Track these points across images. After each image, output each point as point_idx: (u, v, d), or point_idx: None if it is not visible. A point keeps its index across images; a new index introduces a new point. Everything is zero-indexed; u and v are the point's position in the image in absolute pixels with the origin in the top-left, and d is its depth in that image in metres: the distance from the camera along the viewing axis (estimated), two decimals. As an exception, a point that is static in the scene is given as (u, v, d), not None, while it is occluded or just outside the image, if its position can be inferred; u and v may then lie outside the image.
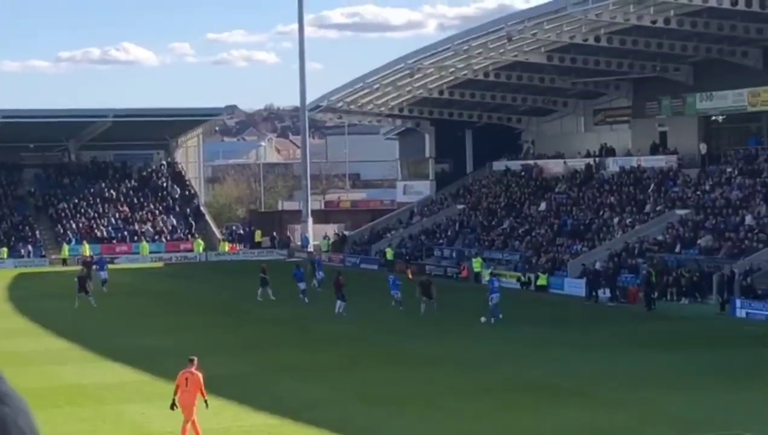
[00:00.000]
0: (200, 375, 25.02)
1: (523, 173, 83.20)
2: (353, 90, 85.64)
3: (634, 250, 61.85)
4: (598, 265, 59.10)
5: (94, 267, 66.65)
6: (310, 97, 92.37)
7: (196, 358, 25.65)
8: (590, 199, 73.76)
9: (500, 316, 46.67)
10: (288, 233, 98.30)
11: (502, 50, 71.13)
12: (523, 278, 63.52)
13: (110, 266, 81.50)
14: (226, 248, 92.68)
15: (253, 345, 40.76)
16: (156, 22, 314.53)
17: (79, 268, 66.29)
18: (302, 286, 56.92)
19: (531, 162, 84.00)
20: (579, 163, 79.26)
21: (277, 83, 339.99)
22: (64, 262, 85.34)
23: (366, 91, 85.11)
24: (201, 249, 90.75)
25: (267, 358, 37.50)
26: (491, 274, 53.21)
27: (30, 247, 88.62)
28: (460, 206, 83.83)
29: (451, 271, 71.83)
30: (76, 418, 28.25)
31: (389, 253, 79.11)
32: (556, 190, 78.17)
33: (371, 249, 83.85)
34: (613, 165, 76.60)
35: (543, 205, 76.45)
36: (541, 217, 74.71)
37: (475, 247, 74.02)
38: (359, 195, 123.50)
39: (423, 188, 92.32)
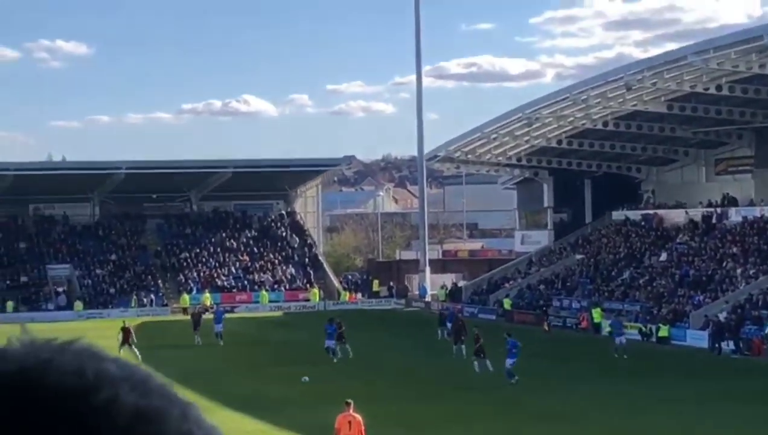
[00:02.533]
0: (361, 418, 24.98)
1: (643, 223, 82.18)
2: (471, 140, 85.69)
3: (758, 302, 60.64)
4: (721, 317, 58.04)
5: (206, 314, 67.20)
6: (428, 147, 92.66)
7: (352, 402, 25.66)
8: (712, 249, 72.54)
9: (513, 380, 43.64)
10: (406, 283, 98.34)
11: (621, 99, 70.67)
12: (644, 329, 62.65)
13: (230, 315, 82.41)
14: (346, 297, 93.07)
15: (369, 396, 40.71)
16: (276, 73, 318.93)
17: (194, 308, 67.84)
18: (331, 344, 53.43)
19: (651, 212, 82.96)
20: (700, 213, 78.08)
21: (395, 133, 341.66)
22: (185, 311, 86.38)
23: (483, 140, 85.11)
24: (318, 298, 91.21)
25: (382, 410, 37.41)
26: (507, 334, 46.55)
27: (152, 296, 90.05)
28: (579, 256, 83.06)
29: (570, 321, 71.18)
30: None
31: (507, 303, 78.69)
32: (677, 240, 77.05)
33: (489, 299, 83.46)
34: (735, 215, 75.28)
35: (664, 256, 75.39)
36: (662, 268, 73.66)
37: (595, 297, 73.25)
38: (477, 244, 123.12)
39: (541, 238, 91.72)
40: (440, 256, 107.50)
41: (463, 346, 51.84)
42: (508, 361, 44.18)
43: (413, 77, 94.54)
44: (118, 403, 1.28)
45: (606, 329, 61.07)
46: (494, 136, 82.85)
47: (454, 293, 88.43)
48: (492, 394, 41.21)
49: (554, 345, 58.36)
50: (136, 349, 53.83)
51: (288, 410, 37.25)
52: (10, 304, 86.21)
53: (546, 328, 64.60)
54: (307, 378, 44.57)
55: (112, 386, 1.29)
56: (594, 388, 42.86)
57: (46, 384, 1.26)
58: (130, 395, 1.29)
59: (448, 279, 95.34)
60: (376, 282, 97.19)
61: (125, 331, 55.39)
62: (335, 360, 51.58)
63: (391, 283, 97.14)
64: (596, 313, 67.41)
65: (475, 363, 47.13)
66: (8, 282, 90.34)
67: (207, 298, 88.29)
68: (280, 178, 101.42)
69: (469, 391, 41.73)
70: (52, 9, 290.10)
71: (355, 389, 42.60)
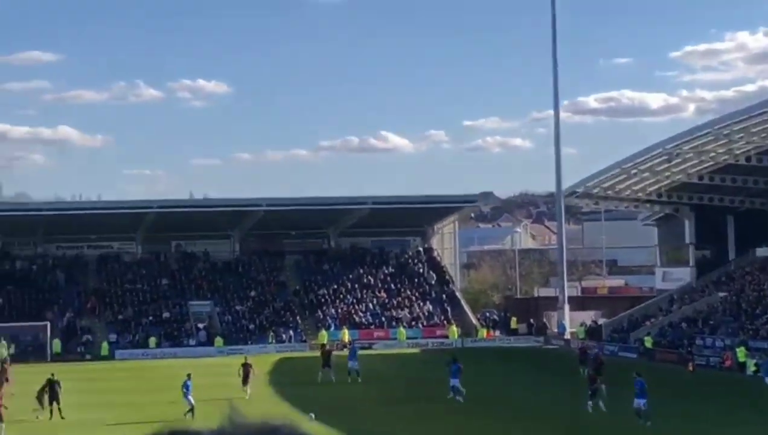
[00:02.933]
0: None
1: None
2: (610, 175, 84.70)
3: None
4: None
5: (342, 351, 67.30)
6: (566, 183, 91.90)
7: None
8: None
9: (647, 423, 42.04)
10: (544, 320, 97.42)
11: (764, 134, 69.13)
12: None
13: (368, 352, 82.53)
14: (484, 335, 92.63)
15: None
16: (414, 110, 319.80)
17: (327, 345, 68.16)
18: (456, 382, 51.92)
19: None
20: None
21: (532, 169, 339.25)
22: (323, 347, 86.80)
23: (623, 176, 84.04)
24: (456, 335, 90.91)
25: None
26: (636, 374, 44.49)
27: (291, 333, 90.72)
28: (722, 294, 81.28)
29: (713, 360, 69.61)
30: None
31: (648, 342, 77.35)
32: (825, 277, 74.93)
33: (629, 337, 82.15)
34: None
35: (811, 293, 73.34)
36: (809, 306, 71.66)
37: (739, 336, 71.52)
38: (617, 281, 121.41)
39: (683, 275, 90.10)
40: (579, 293, 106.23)
41: (603, 386, 51.05)
42: (640, 402, 42.86)
43: (551, 112, 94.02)
44: None
45: (751, 368, 59.48)
46: (634, 171, 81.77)
47: (593, 331, 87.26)
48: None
49: (699, 385, 57.13)
50: (249, 388, 54.16)
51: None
52: (152, 340, 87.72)
53: (691, 368, 63.34)
54: (312, 415, 43.80)
55: None
56: (745, 431, 41.74)
57: None
58: None
59: (587, 316, 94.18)
60: (514, 319, 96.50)
61: (245, 366, 55.78)
62: (461, 400, 50.59)
63: (531, 321, 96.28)
64: (740, 352, 65.88)
65: (589, 403, 46.34)
66: (151, 318, 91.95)
67: (345, 334, 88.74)
68: (418, 215, 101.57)
69: (609, 430, 40.96)
70: (194, 50, 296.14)
71: (492, 429, 42.19)
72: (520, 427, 43.10)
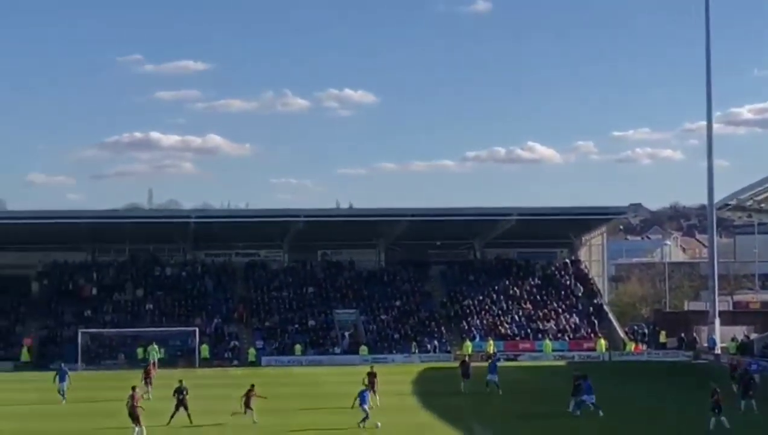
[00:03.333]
0: None
1: None
2: (764, 188, 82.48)
3: None
4: None
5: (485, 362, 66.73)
6: (718, 196, 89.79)
7: None
8: None
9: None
10: (694, 334, 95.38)
11: None
12: None
13: (512, 364, 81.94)
14: (632, 348, 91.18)
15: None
16: (561, 120, 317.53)
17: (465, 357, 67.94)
18: (589, 399, 50.01)
19: None
20: None
21: (683, 181, 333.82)
22: (469, 358, 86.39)
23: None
24: (604, 348, 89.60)
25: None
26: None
27: (435, 343, 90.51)
28: None
29: None
30: None
31: (803, 359, 75.10)
32: None
33: (783, 353, 79.94)
34: None
35: None
36: None
37: None
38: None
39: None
40: (730, 308, 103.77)
41: (753, 401, 49.76)
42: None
43: (703, 123, 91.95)
44: None
45: None
46: (789, 183, 79.49)
47: (745, 346, 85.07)
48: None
49: None
50: (378, 396, 53.63)
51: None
52: (298, 347, 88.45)
53: None
54: (379, 424, 44.63)
55: None
56: None
57: None
58: None
59: (739, 331, 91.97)
60: (663, 333, 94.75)
61: (371, 376, 55.45)
62: (601, 413, 49.57)
63: (681, 335, 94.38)
64: None
65: (712, 420, 45.03)
66: (296, 325, 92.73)
67: (490, 345, 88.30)
68: (565, 226, 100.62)
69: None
70: (342, 60, 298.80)
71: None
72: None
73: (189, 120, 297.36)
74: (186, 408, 47.99)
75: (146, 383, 59.94)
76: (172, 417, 47.43)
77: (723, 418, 44.44)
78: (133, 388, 46.03)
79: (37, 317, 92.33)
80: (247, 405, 48.27)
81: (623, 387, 64.39)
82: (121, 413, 46.12)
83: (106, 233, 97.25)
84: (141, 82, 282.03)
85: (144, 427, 43.24)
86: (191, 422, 47.04)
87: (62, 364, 63.06)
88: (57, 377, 59.40)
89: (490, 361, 68.50)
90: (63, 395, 58.34)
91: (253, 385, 49.68)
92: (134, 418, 43.81)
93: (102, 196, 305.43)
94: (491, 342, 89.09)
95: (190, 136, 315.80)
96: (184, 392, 48.42)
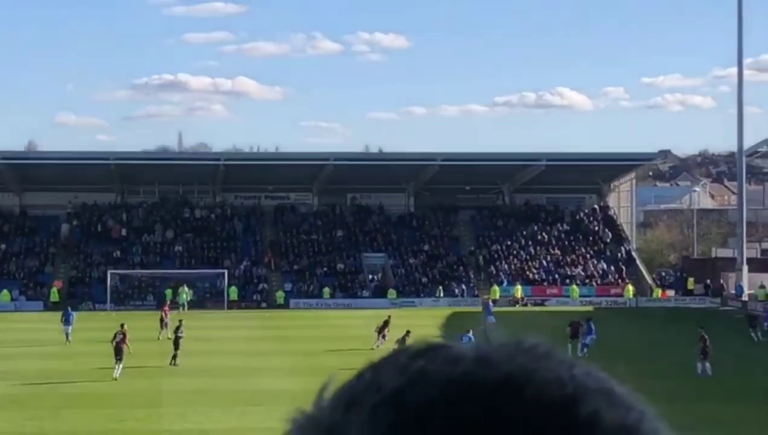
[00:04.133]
0: None
1: None
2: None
3: None
4: None
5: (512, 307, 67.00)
6: (748, 142, 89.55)
7: None
8: None
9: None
10: (721, 281, 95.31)
11: None
12: None
13: (538, 308, 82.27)
14: (659, 294, 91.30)
15: (670, 396, 39.52)
16: (591, 66, 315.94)
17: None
18: (591, 340, 53.20)
19: None
20: None
21: (713, 128, 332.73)
22: (494, 302, 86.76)
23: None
24: (631, 294, 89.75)
25: (681, 410, 36.20)
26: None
27: (463, 287, 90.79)
28: None
29: None
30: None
31: (831, 306, 74.91)
32: None
33: (811, 301, 79.83)
34: None
35: None
36: None
37: None
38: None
39: None
40: (758, 255, 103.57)
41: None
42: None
43: (734, 70, 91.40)
44: (600, 418, 1.20)
45: None
46: (820, 130, 79.06)
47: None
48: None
49: None
50: (383, 340, 54.31)
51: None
52: (326, 291, 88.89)
53: None
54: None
55: (591, 399, 1.21)
56: None
57: (531, 395, 1.19)
58: (609, 410, 1.22)
59: (767, 278, 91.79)
60: (690, 280, 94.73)
61: (386, 323, 56.14)
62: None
63: (708, 282, 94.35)
64: None
65: (698, 365, 45.77)
66: (325, 269, 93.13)
67: (518, 290, 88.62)
68: (594, 172, 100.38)
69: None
70: (373, 2, 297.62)
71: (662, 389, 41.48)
72: (691, 386, 42.24)
73: (219, 62, 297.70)
74: (176, 348, 48.70)
75: (162, 325, 60.38)
76: (174, 358, 48.32)
77: (708, 365, 45.10)
78: (122, 325, 47.19)
79: (67, 258, 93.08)
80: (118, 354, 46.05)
81: (646, 331, 64.55)
82: (140, 353, 46.93)
83: (135, 174, 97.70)
84: (171, 23, 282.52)
85: (121, 366, 44.16)
86: (173, 363, 47.84)
87: (68, 308, 63.98)
88: (62, 319, 60.25)
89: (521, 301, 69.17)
90: (67, 337, 59.12)
91: (123, 325, 49.27)
92: (118, 352, 44.98)
93: (132, 138, 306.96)
94: (519, 287, 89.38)
95: (220, 78, 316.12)
96: (180, 332, 49.30)
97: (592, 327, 53.39)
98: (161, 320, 61.24)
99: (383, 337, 54.83)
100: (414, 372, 1.19)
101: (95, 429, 32.72)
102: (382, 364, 1.23)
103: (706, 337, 46.23)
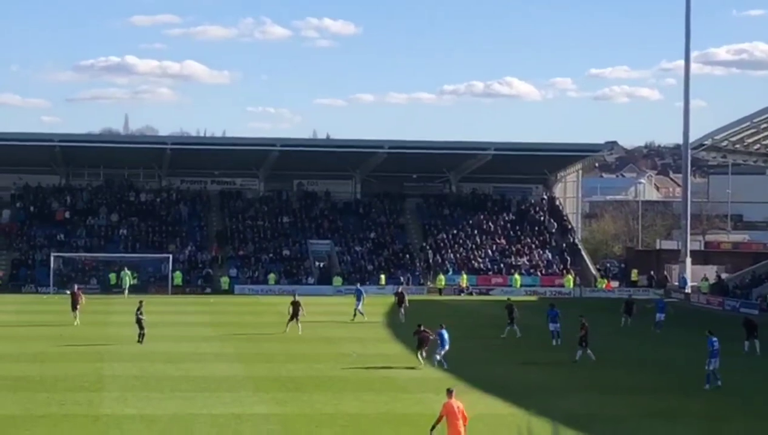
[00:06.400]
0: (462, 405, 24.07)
1: None
2: (739, 129, 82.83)
3: None
4: None
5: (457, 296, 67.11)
6: (693, 136, 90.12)
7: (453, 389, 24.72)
8: None
9: (718, 383, 39.53)
10: (665, 273, 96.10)
11: None
12: None
13: (483, 297, 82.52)
14: (603, 285, 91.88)
15: (621, 387, 39.76)
16: (539, 56, 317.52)
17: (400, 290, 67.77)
18: (555, 327, 53.62)
19: None
20: None
21: (659, 120, 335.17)
22: (440, 292, 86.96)
23: (752, 130, 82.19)
24: (571, 284, 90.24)
25: (638, 401, 36.41)
26: (709, 332, 40.53)
27: (409, 276, 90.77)
28: None
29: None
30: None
31: (772, 299, 75.75)
32: None
33: (752, 293, 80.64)
34: None
35: None
36: None
37: None
38: (741, 237, 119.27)
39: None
40: (702, 248, 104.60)
41: (757, 341, 50.47)
42: (712, 362, 39.42)
43: (681, 63, 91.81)
44: None
45: None
46: (764, 125, 79.81)
47: (720, 286, 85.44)
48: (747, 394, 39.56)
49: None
50: (300, 324, 55.50)
51: (539, 396, 36.82)
52: (272, 277, 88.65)
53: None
54: (354, 354, 47.08)
55: None
56: None
57: None
58: None
59: (710, 271, 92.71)
60: (634, 271, 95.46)
61: (295, 305, 56.27)
62: (556, 344, 52.39)
63: (651, 273, 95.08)
64: None
65: (578, 352, 46.43)
66: (271, 255, 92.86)
67: (464, 278, 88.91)
68: (541, 162, 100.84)
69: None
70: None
71: (617, 378, 41.74)
72: (647, 377, 42.51)
73: (167, 45, 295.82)
74: (141, 328, 50.30)
75: (74, 309, 58.40)
76: (141, 336, 50.06)
77: (589, 352, 46.19)
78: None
79: (10, 240, 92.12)
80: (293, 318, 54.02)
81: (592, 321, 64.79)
82: (80, 337, 47.32)
83: (80, 157, 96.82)
84: (117, 5, 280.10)
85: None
86: (139, 341, 49.92)
87: None
88: None
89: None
90: None
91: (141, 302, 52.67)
92: (75, 306, 55.99)
93: (77, 120, 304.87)
94: (465, 276, 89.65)
95: (167, 61, 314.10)
96: (140, 313, 50.55)
97: (556, 314, 54.30)
98: (74, 304, 58.37)
99: (297, 319, 55.47)
100: None
101: (35, 413, 32.36)
102: None
103: (587, 325, 46.96)
